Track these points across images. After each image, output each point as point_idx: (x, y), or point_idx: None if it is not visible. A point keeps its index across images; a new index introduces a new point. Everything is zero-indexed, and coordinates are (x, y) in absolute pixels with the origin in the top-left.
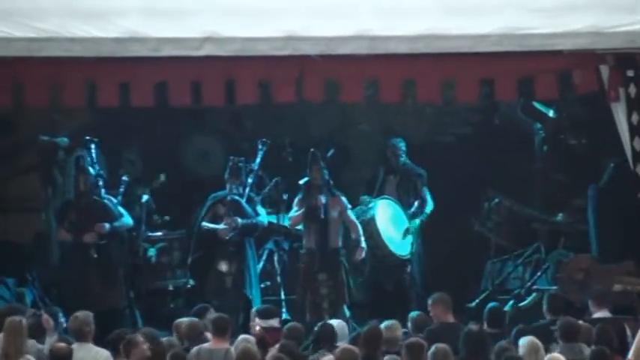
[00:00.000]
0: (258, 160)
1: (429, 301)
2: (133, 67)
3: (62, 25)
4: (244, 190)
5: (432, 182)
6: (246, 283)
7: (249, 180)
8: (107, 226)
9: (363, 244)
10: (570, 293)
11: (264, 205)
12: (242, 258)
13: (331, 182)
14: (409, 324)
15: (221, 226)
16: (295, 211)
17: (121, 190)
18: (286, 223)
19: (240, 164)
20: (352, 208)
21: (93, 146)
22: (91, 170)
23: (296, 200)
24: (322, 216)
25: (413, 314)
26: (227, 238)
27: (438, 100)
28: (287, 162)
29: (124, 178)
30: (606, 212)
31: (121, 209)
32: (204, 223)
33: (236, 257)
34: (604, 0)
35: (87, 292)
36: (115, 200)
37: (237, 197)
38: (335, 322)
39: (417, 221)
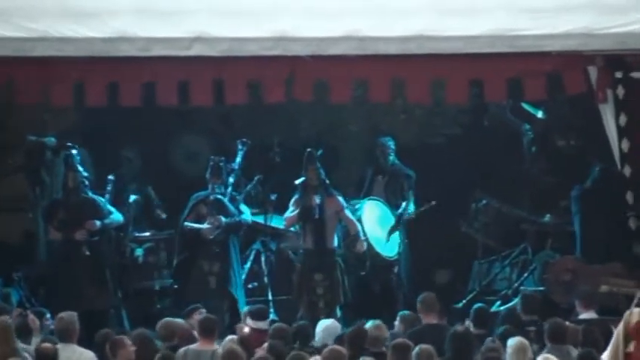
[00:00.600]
0: (238, 159)
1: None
2: (123, 67)
3: (53, 25)
4: (226, 189)
5: (420, 183)
6: (232, 283)
7: (231, 179)
8: (98, 222)
9: (363, 238)
10: (557, 294)
11: (250, 205)
12: (226, 258)
13: (327, 182)
14: (398, 323)
15: (205, 225)
16: (291, 212)
17: (108, 188)
18: (275, 223)
19: (221, 164)
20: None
21: (74, 152)
22: (80, 168)
23: (292, 200)
24: (317, 216)
25: (403, 313)
26: (211, 237)
27: (428, 100)
28: (275, 162)
29: (110, 177)
30: (591, 214)
31: (110, 207)
32: (187, 223)
33: (220, 257)
34: (595, 1)
35: (77, 290)
36: (103, 199)
37: (219, 196)
38: (328, 322)
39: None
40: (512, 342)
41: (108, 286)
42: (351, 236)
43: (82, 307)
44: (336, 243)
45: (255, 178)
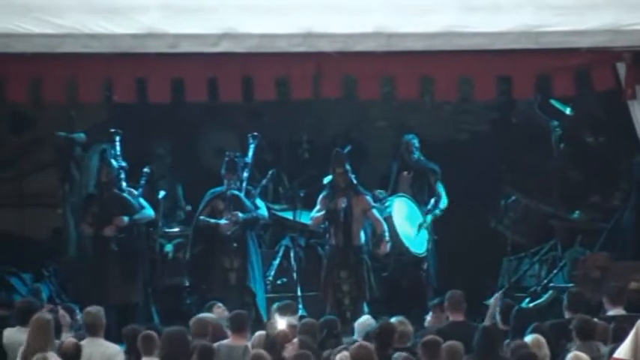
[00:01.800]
0: (250, 153)
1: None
2: (151, 63)
3: (80, 22)
4: (241, 184)
5: (448, 179)
6: (250, 278)
7: (245, 174)
8: (126, 219)
9: (388, 239)
10: (586, 291)
11: (279, 201)
12: (245, 253)
13: (355, 182)
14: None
15: (222, 221)
16: (317, 211)
17: (142, 182)
18: (303, 219)
19: (237, 159)
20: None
21: (118, 138)
22: (114, 163)
23: (319, 198)
24: (342, 219)
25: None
26: (229, 232)
27: (456, 97)
28: (304, 158)
29: (146, 169)
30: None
31: (142, 201)
32: (203, 218)
33: (239, 252)
34: None
35: (106, 285)
36: (136, 192)
37: (236, 192)
38: (364, 318)
39: (430, 217)
40: (529, 338)
41: (137, 281)
42: (377, 236)
43: (111, 302)
44: (363, 240)
45: (270, 172)
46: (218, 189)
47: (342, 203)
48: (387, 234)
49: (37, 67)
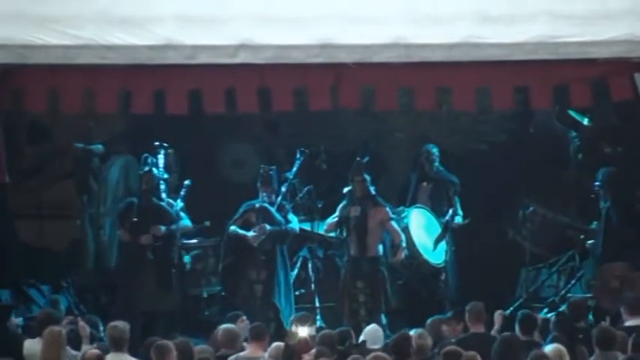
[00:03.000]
0: (294, 169)
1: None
2: (168, 75)
3: (98, 33)
4: (276, 198)
5: (466, 190)
6: (275, 292)
7: (283, 189)
8: (163, 228)
9: (404, 247)
10: (604, 301)
11: (297, 213)
12: (272, 266)
13: (373, 193)
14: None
15: (250, 233)
16: (333, 218)
17: (182, 193)
18: (322, 230)
19: (271, 172)
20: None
21: (162, 151)
22: (155, 171)
23: (339, 207)
24: (353, 227)
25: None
26: (255, 244)
27: (473, 107)
28: (322, 169)
29: (187, 182)
30: None
31: (181, 213)
32: (234, 228)
33: (266, 265)
34: (637, 8)
35: (140, 293)
36: (175, 204)
37: (266, 204)
38: (370, 327)
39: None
40: (549, 348)
41: (172, 289)
42: (394, 245)
43: (143, 309)
44: (381, 251)
45: (306, 189)
46: (253, 201)
47: (355, 212)
48: (404, 244)
49: (55, 78)
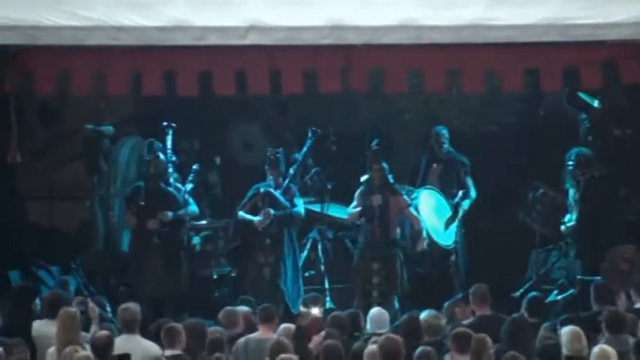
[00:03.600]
0: (304, 149)
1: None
2: (178, 56)
3: (108, 14)
4: (284, 180)
5: (476, 172)
6: (281, 276)
7: (291, 171)
8: (170, 214)
9: (425, 236)
10: (614, 283)
11: (307, 194)
12: (279, 250)
13: (392, 181)
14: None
15: (257, 217)
16: (354, 207)
17: (190, 178)
18: (331, 211)
19: (278, 155)
20: None
21: (170, 131)
22: (162, 156)
23: (356, 194)
24: (377, 216)
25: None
26: (261, 229)
27: (483, 89)
28: (331, 151)
29: (195, 167)
30: None
31: (188, 197)
32: (241, 213)
33: (273, 249)
34: None
35: (147, 277)
36: (183, 188)
37: (270, 189)
38: (375, 310)
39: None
40: (566, 329)
41: (180, 273)
42: (414, 231)
43: (150, 293)
44: (399, 235)
45: (313, 170)
46: (261, 184)
47: (377, 201)
48: (424, 231)
49: (65, 59)
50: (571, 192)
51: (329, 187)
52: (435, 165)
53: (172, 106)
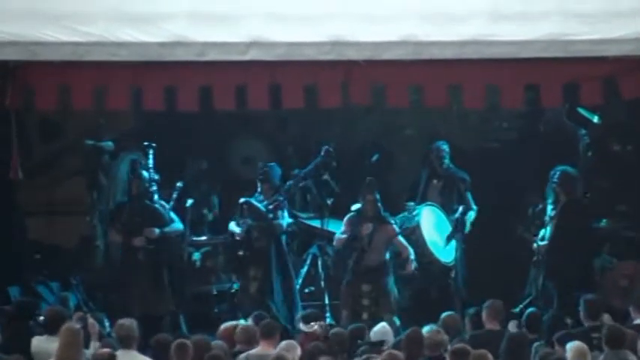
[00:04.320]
0: (310, 166)
1: None
2: (179, 71)
3: (108, 30)
4: (275, 194)
5: (476, 188)
6: (267, 290)
7: (286, 185)
8: (157, 231)
9: (413, 258)
10: (614, 299)
11: (307, 210)
12: (266, 264)
13: (382, 212)
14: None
15: (237, 229)
16: (341, 233)
17: (174, 196)
18: (331, 227)
19: (267, 169)
20: (397, 214)
21: (151, 151)
22: (145, 174)
23: (345, 220)
24: (365, 246)
25: (444, 315)
26: (239, 239)
27: (484, 105)
28: (331, 167)
29: (178, 184)
30: None
31: (173, 215)
32: (230, 225)
33: (260, 262)
34: None
35: (134, 295)
36: (167, 206)
37: (250, 199)
38: (379, 326)
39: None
40: (571, 345)
41: (165, 291)
42: (401, 259)
43: (138, 312)
44: (388, 257)
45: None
46: (246, 198)
47: (367, 229)
48: (412, 257)
49: (65, 75)
50: (549, 208)
51: (329, 202)
52: (435, 181)
53: (172, 122)
